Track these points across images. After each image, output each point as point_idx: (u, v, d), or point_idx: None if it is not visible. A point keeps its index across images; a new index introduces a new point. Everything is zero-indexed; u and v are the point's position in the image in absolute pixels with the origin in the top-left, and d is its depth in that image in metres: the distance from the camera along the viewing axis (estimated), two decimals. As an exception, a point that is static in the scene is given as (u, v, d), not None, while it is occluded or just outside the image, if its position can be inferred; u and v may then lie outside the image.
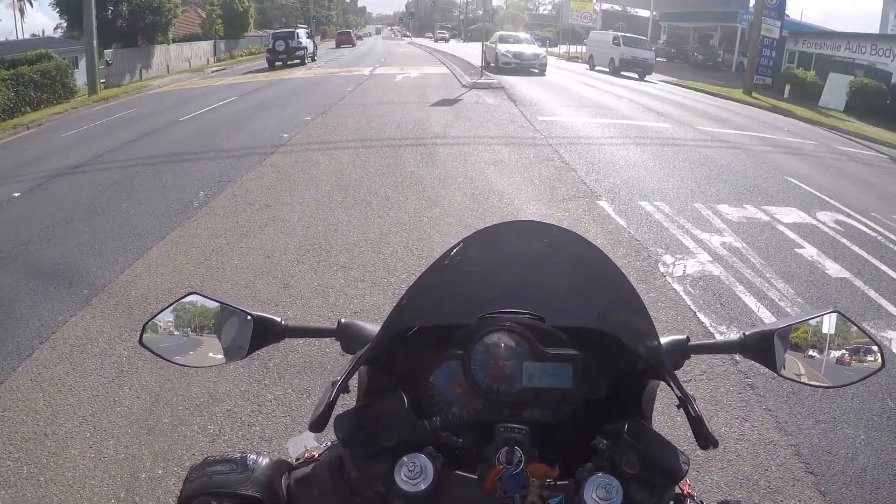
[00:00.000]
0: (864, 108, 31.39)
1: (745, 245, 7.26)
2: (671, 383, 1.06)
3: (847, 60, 39.83)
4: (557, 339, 1.05)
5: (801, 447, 4.03)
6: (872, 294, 6.59)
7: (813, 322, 1.24)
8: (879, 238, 8.67)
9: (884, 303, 6.43)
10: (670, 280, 6.23)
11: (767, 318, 5.56)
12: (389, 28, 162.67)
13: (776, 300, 5.97)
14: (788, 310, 5.84)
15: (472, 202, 8.54)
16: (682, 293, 5.97)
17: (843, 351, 1.25)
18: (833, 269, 7.01)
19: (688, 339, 1.27)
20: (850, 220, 9.09)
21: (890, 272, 7.33)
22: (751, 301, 5.89)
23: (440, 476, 0.93)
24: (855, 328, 1.26)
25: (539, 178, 9.70)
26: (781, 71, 36.80)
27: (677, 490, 1.05)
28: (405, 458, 0.93)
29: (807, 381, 1.25)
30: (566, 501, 0.93)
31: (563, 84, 25.00)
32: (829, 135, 20.85)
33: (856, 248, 7.80)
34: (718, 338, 4.81)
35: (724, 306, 5.72)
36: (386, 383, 1.11)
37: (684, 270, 6.46)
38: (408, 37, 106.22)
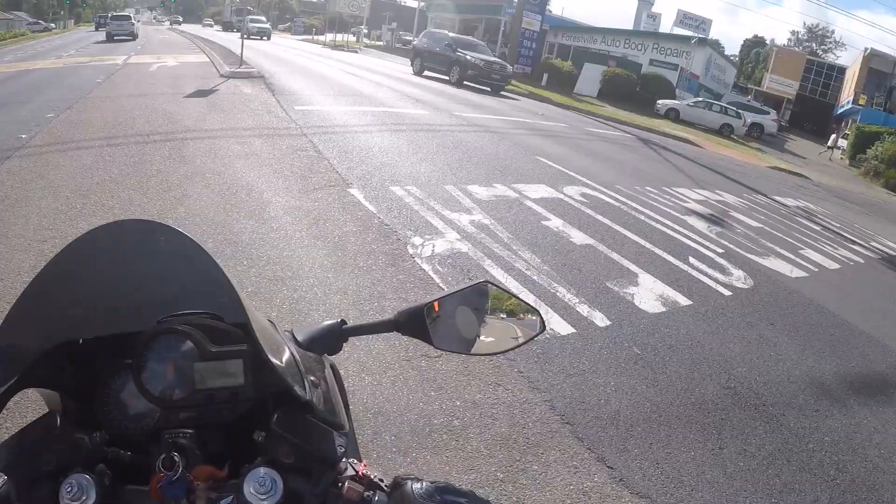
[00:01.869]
0: (615, 94, 34.51)
1: (493, 221, 7.78)
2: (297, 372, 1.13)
3: (603, 52, 44.49)
4: (235, 337, 1.07)
5: (555, 401, 4.47)
6: (615, 256, 7.47)
7: (468, 293, 1.36)
8: (622, 207, 9.71)
9: (625, 262, 7.38)
10: (419, 261, 6.53)
11: (515, 287, 6.02)
12: (151, 12, 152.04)
13: (523, 270, 6.50)
14: (535, 278, 6.39)
15: (220, 199, 8.42)
16: (430, 272, 6.29)
17: (503, 317, 1.41)
18: (578, 237, 7.84)
19: (343, 322, 1.35)
20: (595, 193, 10.07)
21: (631, 236, 8.27)
22: (499, 273, 6.34)
23: (106, 493, 0.94)
24: (509, 296, 1.43)
25: (291, 169, 9.75)
26: (541, 61, 39.45)
27: (351, 472, 1.07)
28: (68, 480, 0.93)
29: (474, 351, 1.37)
30: (237, 500, 0.96)
31: (324, 72, 25.07)
32: (582, 118, 22.67)
33: (600, 217, 8.71)
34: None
35: (471, 280, 6.07)
36: (61, 402, 1.10)
37: (433, 250, 6.80)
38: (178, 22, 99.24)
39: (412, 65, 31.49)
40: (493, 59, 29.27)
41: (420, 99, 19.38)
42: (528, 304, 1.43)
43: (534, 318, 1.43)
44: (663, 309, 6.61)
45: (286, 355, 1.14)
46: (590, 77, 37.64)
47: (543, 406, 4.38)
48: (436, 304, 1.33)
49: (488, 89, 27.72)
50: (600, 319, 5.93)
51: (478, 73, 27.62)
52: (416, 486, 1.04)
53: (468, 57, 27.76)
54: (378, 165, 10.22)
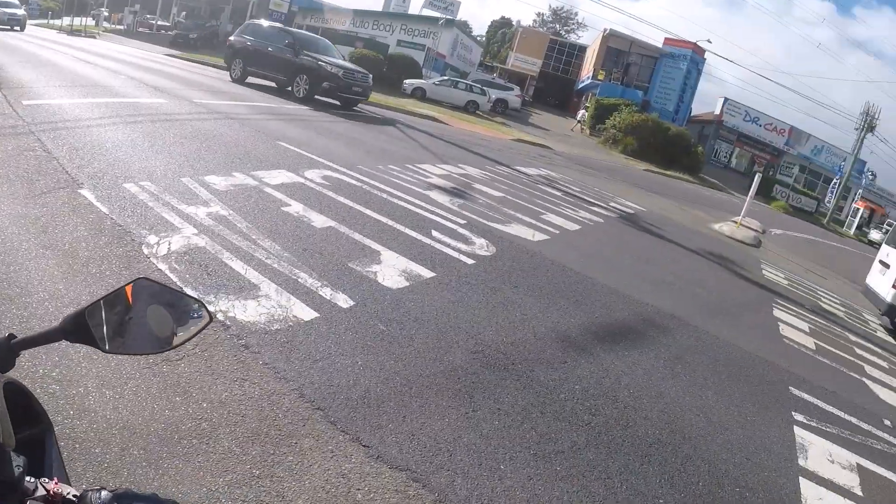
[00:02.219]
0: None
1: (232, 212, 7.52)
2: None
3: (351, 34, 44.66)
4: None
5: (304, 389, 4.38)
6: (357, 236, 7.48)
7: (120, 293, 1.33)
8: (364, 186, 9.77)
9: (368, 241, 7.42)
10: (155, 261, 6.18)
11: (255, 278, 5.86)
12: None
13: (263, 259, 6.32)
14: (276, 266, 6.23)
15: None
16: (167, 271, 5.97)
17: (167, 313, 1.38)
18: (319, 220, 7.77)
19: (11, 336, 1.28)
20: (336, 175, 10.05)
21: (373, 214, 8.32)
22: (238, 265, 6.13)
23: None
24: (168, 288, 1.41)
25: (16, 172, 8.88)
26: None
27: (41, 491, 1.06)
28: None
29: (143, 350, 1.39)
30: None
31: (58, 61, 23.18)
32: (327, 100, 22.44)
33: (341, 199, 8.69)
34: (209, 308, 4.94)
35: (210, 275, 5.86)
36: None
37: (169, 248, 6.46)
38: None
39: (230, 70, 25.19)
40: (352, 66, 23.81)
41: (159, 87, 18.48)
42: (192, 297, 1.44)
43: (199, 309, 1.45)
44: (407, 283, 6.70)
45: None
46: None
47: (292, 395, 4.29)
48: (130, 299, 1.33)
49: (338, 104, 22.71)
50: (344, 301, 5.89)
51: (336, 85, 21.80)
52: (96, 496, 1.05)
53: (321, 63, 22.03)
54: (111, 162, 9.59)
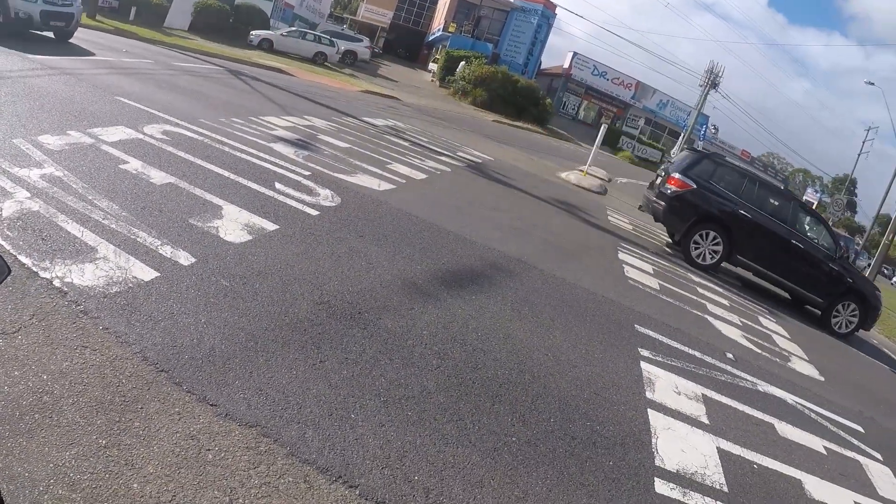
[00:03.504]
0: (208, 26, 33.51)
1: (66, 173, 7.15)
2: None
3: None
4: None
5: (146, 352, 4.27)
6: (198, 191, 7.32)
7: None
8: (206, 140, 9.49)
9: (209, 196, 7.28)
10: (-19, 229, 5.82)
11: (92, 241, 5.61)
12: None
13: (100, 220, 6.06)
14: (114, 226, 5.98)
15: None
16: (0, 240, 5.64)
17: None
18: (158, 176, 7.51)
19: None
20: (177, 129, 9.73)
21: (215, 168, 8.14)
22: (74, 228, 5.85)
23: None
24: None
25: None
26: None
27: None
28: None
29: None
30: None
31: None
32: (170, 53, 21.72)
33: (182, 154, 8.44)
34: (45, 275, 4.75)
35: (45, 241, 5.56)
36: None
37: (0, 214, 6.10)
38: None
39: None
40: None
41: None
42: None
43: None
44: (250, 237, 6.61)
45: None
46: (181, 9, 35.93)
47: (135, 359, 4.17)
48: None
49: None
50: (185, 258, 5.75)
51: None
52: None
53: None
54: (-70, 126, 8.93)
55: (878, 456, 7.42)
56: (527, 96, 43.35)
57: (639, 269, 11.44)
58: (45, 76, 12.90)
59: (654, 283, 10.94)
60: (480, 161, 18.04)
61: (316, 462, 3.72)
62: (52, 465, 3.16)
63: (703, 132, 62.59)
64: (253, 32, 37.55)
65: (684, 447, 5.57)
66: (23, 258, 5.12)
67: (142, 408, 3.74)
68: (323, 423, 4.06)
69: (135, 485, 3.20)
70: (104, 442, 3.41)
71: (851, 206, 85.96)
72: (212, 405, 3.92)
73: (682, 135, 57.25)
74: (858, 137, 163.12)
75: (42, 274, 4.85)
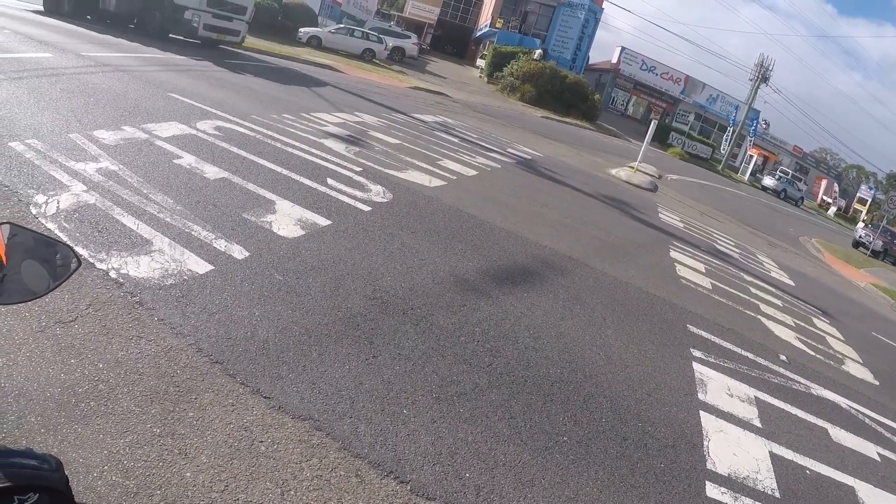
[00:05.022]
0: (258, 24, 33.88)
1: (122, 167, 7.27)
2: None
3: None
4: None
5: (200, 343, 4.33)
6: (251, 186, 7.38)
7: (6, 243, 1.30)
8: (258, 136, 9.58)
9: (262, 192, 7.35)
10: (44, 220, 5.92)
11: (147, 234, 5.71)
12: None
13: (156, 213, 6.15)
14: (169, 220, 6.08)
15: None
16: (57, 231, 5.73)
17: (34, 260, 1.35)
18: (212, 171, 7.61)
19: None
20: (229, 125, 9.83)
21: (267, 164, 8.20)
22: (129, 220, 5.95)
23: None
24: (37, 234, 1.36)
25: None
26: None
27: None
28: None
29: (22, 299, 1.34)
30: None
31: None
32: (220, 50, 21.87)
33: (234, 149, 8.52)
34: (101, 266, 4.82)
35: (101, 233, 5.66)
36: None
37: (58, 207, 6.20)
38: None
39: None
40: None
41: (45, 41, 17.53)
42: (60, 241, 1.41)
43: (66, 255, 1.42)
44: (303, 232, 6.66)
45: None
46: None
47: (190, 350, 4.23)
48: (3, 257, 1.29)
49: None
50: (238, 252, 5.82)
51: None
52: None
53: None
54: (-5, 120, 9.13)
55: (938, 465, 7.24)
56: (575, 92, 43.00)
57: (691, 268, 11.29)
58: (99, 73, 13.13)
59: (706, 282, 10.78)
60: (530, 157, 17.95)
61: (368, 457, 3.72)
62: (106, 451, 3.21)
63: (753, 127, 61.51)
64: (301, 30, 37.76)
65: (736, 451, 5.47)
66: (80, 249, 5.22)
67: (196, 398, 3.78)
68: (375, 418, 4.06)
69: (188, 473, 3.23)
70: (158, 431, 3.46)
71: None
72: (265, 397, 3.95)
73: (733, 130, 56.37)
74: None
75: (98, 265, 4.93)
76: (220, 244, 5.86)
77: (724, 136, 57.89)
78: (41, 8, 23.29)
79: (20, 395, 3.49)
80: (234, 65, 18.60)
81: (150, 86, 12.29)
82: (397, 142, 13.30)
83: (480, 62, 51.96)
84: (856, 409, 7.74)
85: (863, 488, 5.84)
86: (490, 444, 4.22)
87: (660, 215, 16.50)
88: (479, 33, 63.50)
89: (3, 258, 1.29)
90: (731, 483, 4.95)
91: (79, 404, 3.51)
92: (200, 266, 5.37)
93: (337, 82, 21.76)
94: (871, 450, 6.75)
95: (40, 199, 6.28)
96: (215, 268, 5.40)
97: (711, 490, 4.76)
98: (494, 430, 4.38)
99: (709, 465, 5.05)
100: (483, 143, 17.41)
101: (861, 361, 10.29)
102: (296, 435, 3.71)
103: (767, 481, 5.18)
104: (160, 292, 4.81)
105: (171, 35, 21.18)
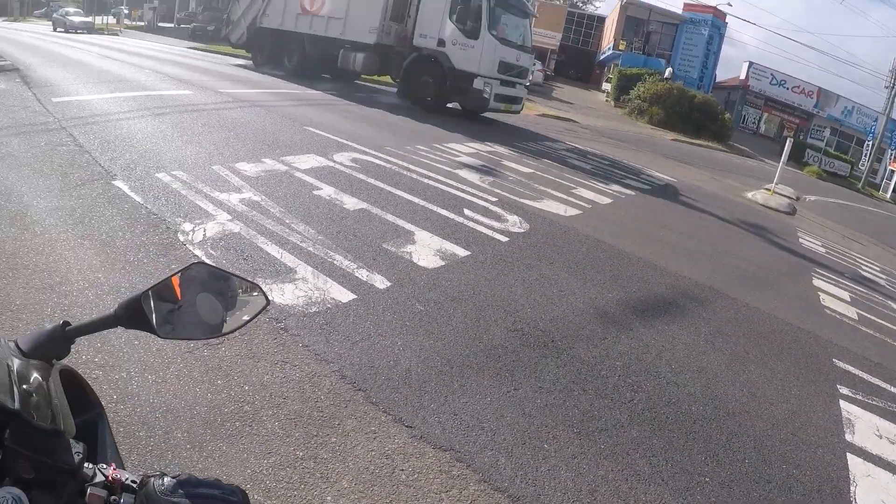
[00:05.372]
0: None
1: (264, 197, 7.54)
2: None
3: None
4: None
5: (344, 370, 4.40)
6: (390, 217, 7.53)
7: (180, 277, 1.33)
8: (393, 167, 9.79)
9: (401, 222, 7.49)
10: (191, 247, 6.21)
11: (291, 262, 5.88)
12: None
13: (298, 242, 6.34)
14: (311, 249, 6.25)
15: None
16: (204, 257, 5.99)
17: (217, 301, 1.37)
18: (351, 202, 7.78)
19: (66, 323, 1.27)
20: (365, 157, 10.07)
21: (404, 195, 8.36)
22: (273, 249, 6.15)
23: None
24: (228, 274, 1.40)
25: (51, 166, 8.95)
26: None
27: (100, 477, 1.08)
28: None
29: (194, 336, 1.38)
30: None
31: (83, 59, 23.25)
32: (351, 83, 22.51)
33: (371, 181, 8.71)
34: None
35: (247, 260, 5.88)
36: None
37: (205, 235, 6.49)
38: None
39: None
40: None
41: (184, 79, 18.58)
42: (249, 281, 1.42)
43: (256, 293, 1.43)
44: (442, 263, 6.70)
45: None
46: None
47: (333, 377, 4.31)
48: (178, 290, 1.32)
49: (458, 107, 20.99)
50: (380, 282, 5.90)
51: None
52: (159, 482, 1.06)
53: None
54: (142, 153, 9.64)
55: None
56: (704, 112, 42.03)
57: (835, 297, 10.77)
58: (237, 108, 13.71)
59: (851, 312, 10.26)
60: (663, 183, 17.64)
61: (508, 490, 3.66)
62: (249, 470, 3.29)
63: (894, 140, 58.13)
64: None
65: (885, 497, 5.15)
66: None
67: (339, 424, 3.83)
68: (516, 452, 4.01)
69: (328, 497, 3.26)
70: (301, 454, 3.52)
71: None
72: (407, 426, 3.96)
73: (872, 143, 53.12)
74: None
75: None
76: (362, 273, 5.96)
77: (864, 151, 55.01)
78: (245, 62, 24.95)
79: (168, 412, 3.64)
80: (364, 99, 19.07)
81: (286, 119, 12.76)
82: (530, 171, 13.29)
83: (606, 86, 51.60)
84: None
85: None
86: (630, 483, 4.10)
87: (800, 240, 15.87)
88: (602, 57, 63.07)
89: (177, 289, 1.33)
90: (878, 531, 4.65)
91: (224, 423, 3.63)
92: (343, 295, 5.48)
93: (465, 112, 21.97)
94: None
95: (187, 226, 6.58)
96: (358, 297, 5.50)
97: (856, 538, 4.48)
98: (635, 468, 4.26)
99: (854, 512, 4.79)
100: (615, 170, 17.22)
101: None
102: (436, 465, 3.70)
103: (916, 532, 4.89)
104: (304, 319, 4.94)
105: (448, 105, 20.36)
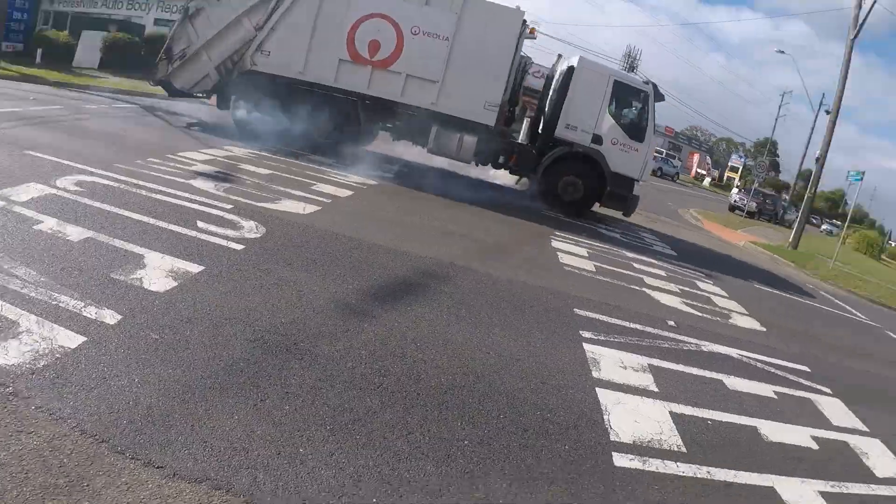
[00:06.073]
0: (120, 62, 32.57)
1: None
2: None
3: (104, 17, 40.79)
4: None
5: (83, 424, 4.11)
6: (118, 243, 7.10)
7: None
8: (122, 186, 9.29)
9: (130, 246, 7.08)
10: None
11: (13, 314, 5.24)
12: None
13: (19, 289, 5.64)
14: (34, 295, 5.60)
15: None
16: None
17: None
18: (75, 232, 7.18)
19: None
20: (92, 178, 9.47)
21: (133, 215, 7.97)
22: (-7, 302, 5.57)
23: None
24: None
25: None
26: (35, 35, 34.66)
27: None
28: None
29: None
30: None
31: None
32: (80, 95, 21.21)
33: (98, 204, 8.20)
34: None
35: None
36: None
37: None
38: None
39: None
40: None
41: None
42: None
43: None
44: (175, 283, 6.43)
45: None
46: (89, 46, 34.69)
47: (73, 434, 4.02)
48: None
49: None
50: (110, 317, 5.53)
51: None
52: None
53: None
54: None
55: (827, 390, 7.76)
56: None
57: (573, 255, 11.61)
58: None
59: (589, 265, 11.24)
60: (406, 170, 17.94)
61: (273, 505, 3.67)
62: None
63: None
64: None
65: (637, 418, 5.72)
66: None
67: (87, 485, 3.61)
68: (272, 464, 4.04)
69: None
70: (57, 530, 3.28)
71: (774, 167, 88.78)
72: (158, 467, 3.84)
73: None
74: (774, 103, 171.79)
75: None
76: (91, 312, 5.55)
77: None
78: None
79: None
80: (92, 111, 17.89)
81: (3, 144, 11.42)
82: (269, 172, 13.14)
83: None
84: (747, 357, 8.20)
85: (765, 425, 6.31)
86: (392, 465, 4.27)
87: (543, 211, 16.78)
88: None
89: None
90: (637, 448, 5.22)
91: (-39, 522, 3.33)
92: (72, 340, 5.07)
93: (204, 116, 21.26)
94: (766, 390, 7.23)
95: None
96: (87, 338, 5.13)
97: (619, 459, 5.01)
98: (394, 450, 4.43)
99: (612, 437, 5.31)
100: (356, 163, 17.26)
101: (747, 313, 10.84)
102: (195, 499, 3.64)
103: (672, 439, 5.48)
104: (33, 377, 4.50)
105: (592, 209, 18.09)
